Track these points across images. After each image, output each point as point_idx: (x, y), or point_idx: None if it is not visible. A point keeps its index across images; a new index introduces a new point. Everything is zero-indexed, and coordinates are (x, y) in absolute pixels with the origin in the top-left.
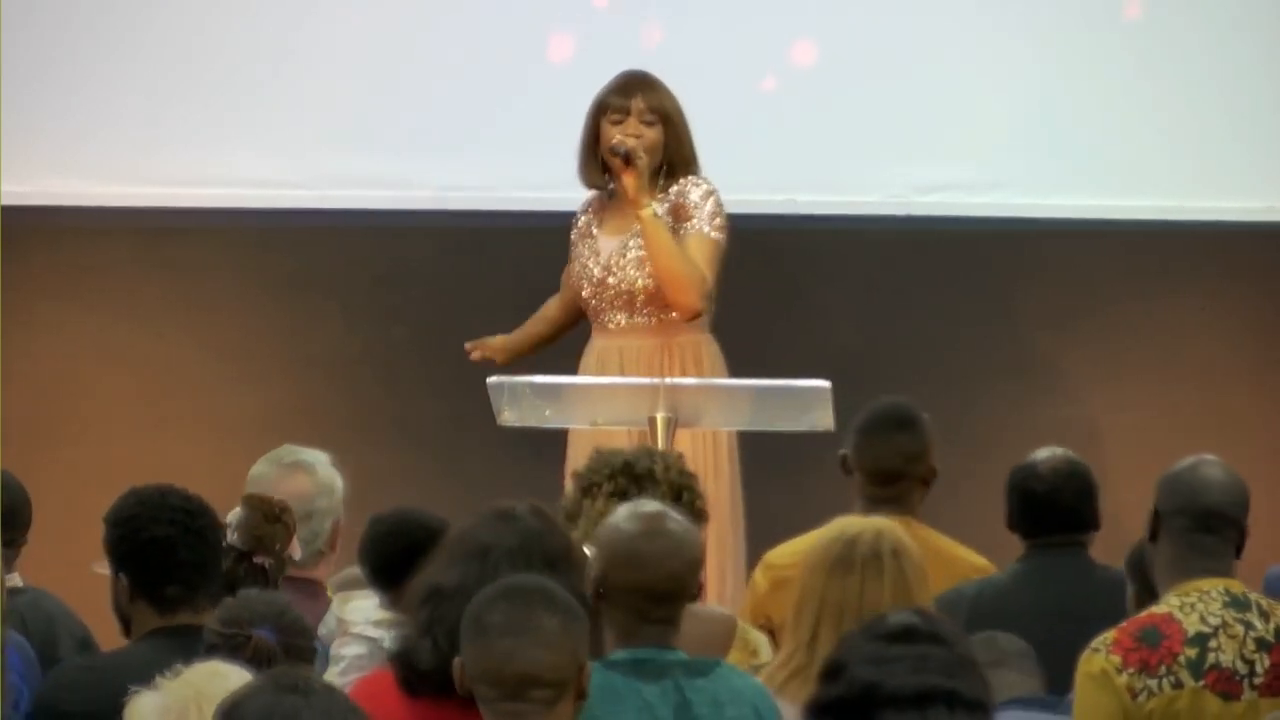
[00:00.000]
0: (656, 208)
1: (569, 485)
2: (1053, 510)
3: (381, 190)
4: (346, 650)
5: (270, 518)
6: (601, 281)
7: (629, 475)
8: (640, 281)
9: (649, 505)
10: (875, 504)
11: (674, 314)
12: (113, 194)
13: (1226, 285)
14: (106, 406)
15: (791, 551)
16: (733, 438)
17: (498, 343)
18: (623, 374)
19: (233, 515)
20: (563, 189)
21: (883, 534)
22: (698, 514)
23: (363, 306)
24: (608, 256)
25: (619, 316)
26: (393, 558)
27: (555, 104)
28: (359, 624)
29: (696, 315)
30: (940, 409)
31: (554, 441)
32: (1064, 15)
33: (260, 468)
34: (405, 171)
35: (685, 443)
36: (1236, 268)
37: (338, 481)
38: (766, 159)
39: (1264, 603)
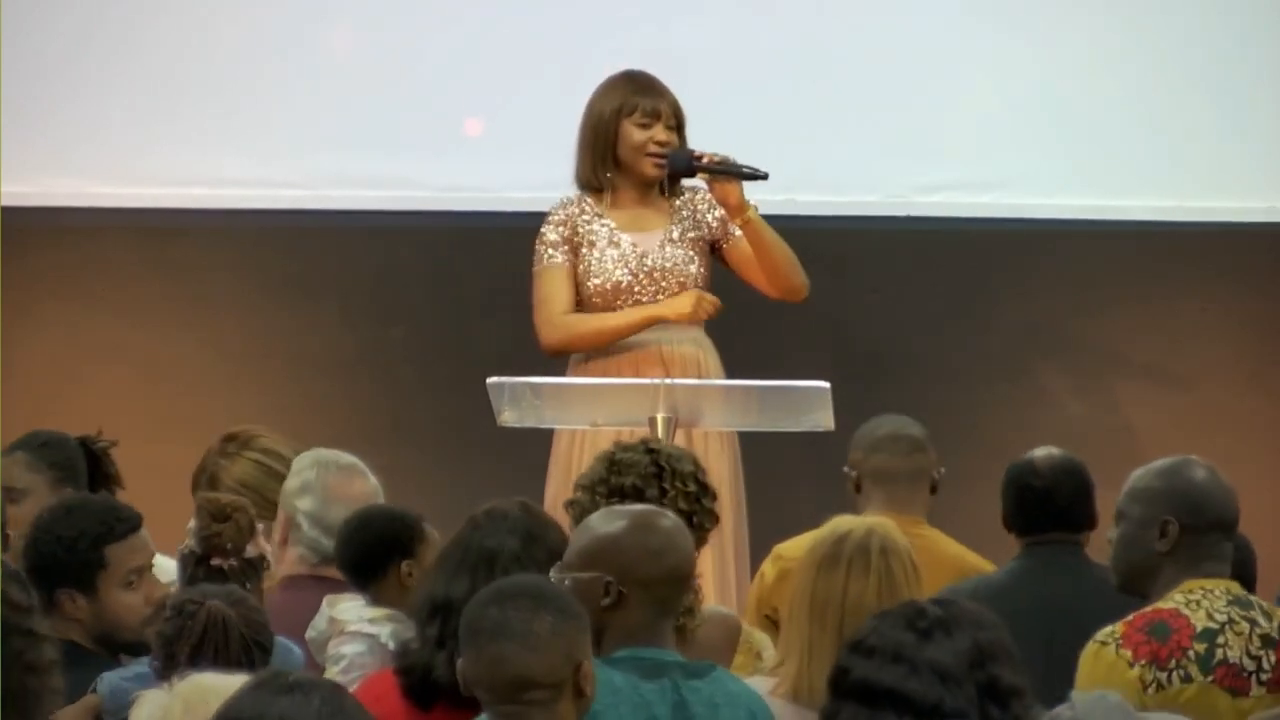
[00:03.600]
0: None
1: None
2: (1049, 508)
3: (381, 190)
4: (346, 649)
5: (218, 516)
6: (651, 269)
7: (638, 500)
8: (694, 269)
9: (634, 505)
10: (886, 498)
11: (779, 297)
12: (113, 194)
13: (1226, 285)
14: (106, 406)
15: (799, 544)
16: (736, 438)
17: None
18: (666, 371)
19: (192, 519)
20: (562, 189)
21: (873, 531)
22: (704, 531)
23: (362, 306)
24: (651, 245)
25: None
26: (365, 553)
27: (555, 104)
28: (354, 621)
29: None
30: (940, 409)
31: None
32: (1064, 14)
33: (309, 476)
34: (405, 171)
35: (690, 443)
36: (1236, 268)
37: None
38: (766, 159)
39: (1264, 604)
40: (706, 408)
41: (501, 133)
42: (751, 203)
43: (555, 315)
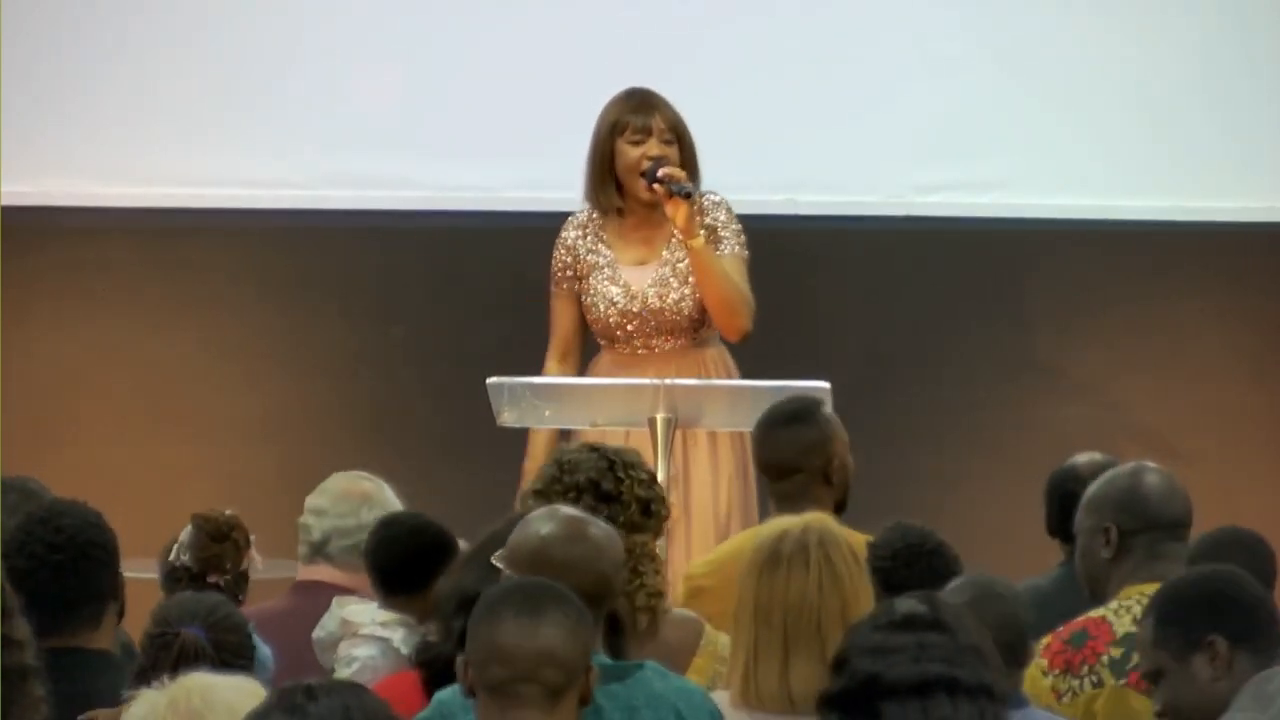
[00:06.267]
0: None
1: (525, 500)
2: None
3: (381, 190)
4: (359, 651)
5: (217, 536)
6: (642, 311)
7: (595, 494)
8: (687, 308)
9: (566, 510)
10: (780, 501)
11: (705, 334)
12: (113, 194)
13: (1226, 285)
14: (106, 406)
15: (708, 562)
16: (746, 437)
17: None
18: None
19: (183, 534)
20: (562, 189)
21: (809, 526)
22: (662, 518)
23: (363, 306)
24: (645, 285)
25: (658, 342)
26: (405, 563)
27: (555, 104)
28: (368, 624)
29: (746, 336)
30: (940, 409)
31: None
32: (1063, 14)
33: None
34: (405, 171)
35: (707, 444)
36: (1236, 268)
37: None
38: (766, 159)
39: None
40: (706, 408)
41: (500, 133)
42: (701, 234)
43: (549, 357)
